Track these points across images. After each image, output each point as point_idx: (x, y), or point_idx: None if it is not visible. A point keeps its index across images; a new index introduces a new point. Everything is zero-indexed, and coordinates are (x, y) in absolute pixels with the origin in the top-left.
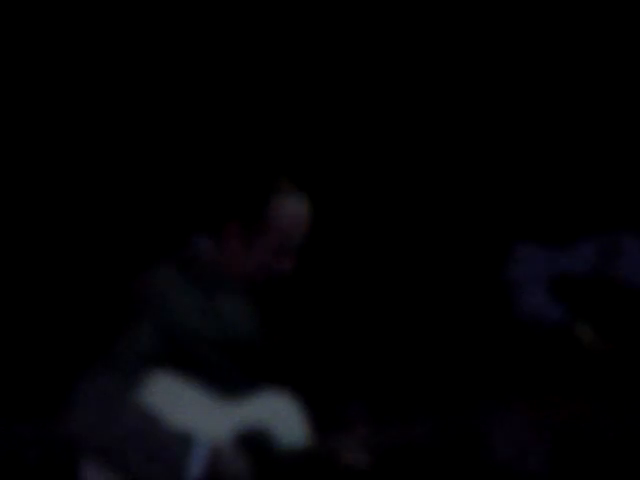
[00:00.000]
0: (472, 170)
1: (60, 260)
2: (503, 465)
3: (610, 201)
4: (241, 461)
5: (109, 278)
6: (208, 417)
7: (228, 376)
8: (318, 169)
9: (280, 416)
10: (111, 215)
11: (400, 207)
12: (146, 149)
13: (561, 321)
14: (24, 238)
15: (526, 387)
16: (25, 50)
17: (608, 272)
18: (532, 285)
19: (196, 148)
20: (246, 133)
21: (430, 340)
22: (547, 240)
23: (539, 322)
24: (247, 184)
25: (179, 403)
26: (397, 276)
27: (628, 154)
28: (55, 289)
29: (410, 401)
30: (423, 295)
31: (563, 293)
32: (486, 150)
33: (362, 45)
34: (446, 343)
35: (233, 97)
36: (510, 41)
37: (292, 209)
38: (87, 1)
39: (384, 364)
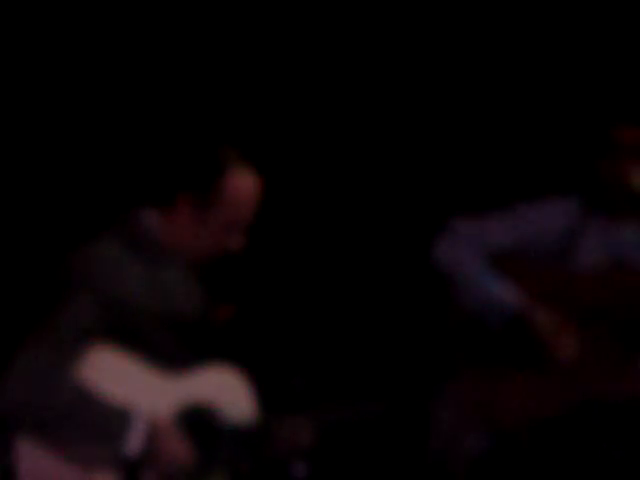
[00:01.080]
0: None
1: None
2: (443, 447)
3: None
4: (182, 436)
5: (50, 251)
6: (149, 392)
7: (171, 351)
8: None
9: (225, 391)
10: (52, 186)
11: (335, 183)
12: (91, 118)
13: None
14: None
15: (469, 369)
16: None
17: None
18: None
19: (145, 118)
20: (196, 104)
21: (374, 320)
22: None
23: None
24: (200, 155)
25: (119, 378)
26: (339, 251)
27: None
28: None
29: (354, 381)
30: (366, 273)
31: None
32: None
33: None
34: (389, 324)
35: (184, 68)
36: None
37: (246, 181)
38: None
39: (329, 342)
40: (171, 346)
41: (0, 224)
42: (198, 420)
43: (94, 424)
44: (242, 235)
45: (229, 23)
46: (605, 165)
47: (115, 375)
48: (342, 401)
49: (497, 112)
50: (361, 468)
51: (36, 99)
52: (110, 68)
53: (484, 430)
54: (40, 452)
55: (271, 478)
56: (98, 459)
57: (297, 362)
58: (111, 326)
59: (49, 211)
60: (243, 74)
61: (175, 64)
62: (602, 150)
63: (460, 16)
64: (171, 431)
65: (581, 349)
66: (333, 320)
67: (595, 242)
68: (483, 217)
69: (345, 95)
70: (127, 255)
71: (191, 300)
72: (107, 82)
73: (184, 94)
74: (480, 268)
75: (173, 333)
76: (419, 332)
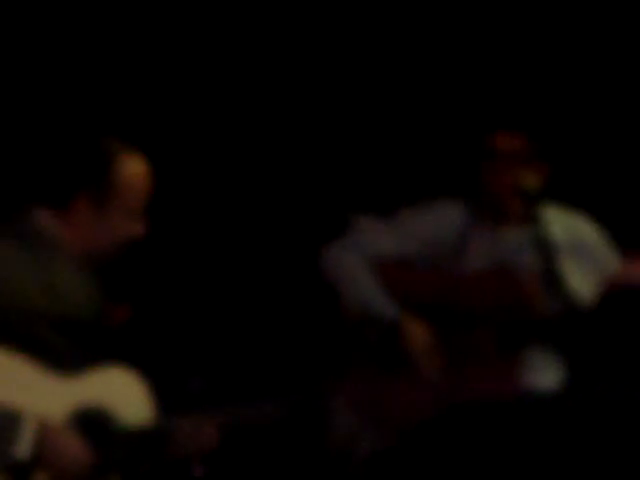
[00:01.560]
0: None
1: None
2: (340, 446)
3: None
4: (77, 439)
5: None
6: (40, 395)
7: (66, 353)
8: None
9: (121, 393)
10: None
11: (227, 183)
12: None
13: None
14: None
15: (363, 369)
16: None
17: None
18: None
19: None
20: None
21: (272, 320)
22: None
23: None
24: (83, 151)
25: (7, 380)
26: (235, 251)
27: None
28: None
29: (254, 381)
30: (263, 274)
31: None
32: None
33: None
34: (286, 323)
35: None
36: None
37: (136, 166)
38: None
39: (228, 342)
40: (65, 348)
41: None
42: (93, 422)
43: None
44: (141, 221)
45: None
46: (486, 171)
47: (3, 378)
48: (242, 402)
49: (384, 118)
50: (262, 468)
51: None
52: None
53: (380, 429)
54: None
55: (171, 479)
56: None
57: (196, 363)
58: (3, 328)
59: None
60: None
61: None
62: (482, 156)
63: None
64: (64, 434)
65: (463, 352)
66: (232, 321)
67: (481, 246)
68: (372, 223)
69: (239, 95)
70: (19, 255)
71: (87, 301)
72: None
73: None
74: (363, 276)
75: (67, 335)
76: (316, 332)
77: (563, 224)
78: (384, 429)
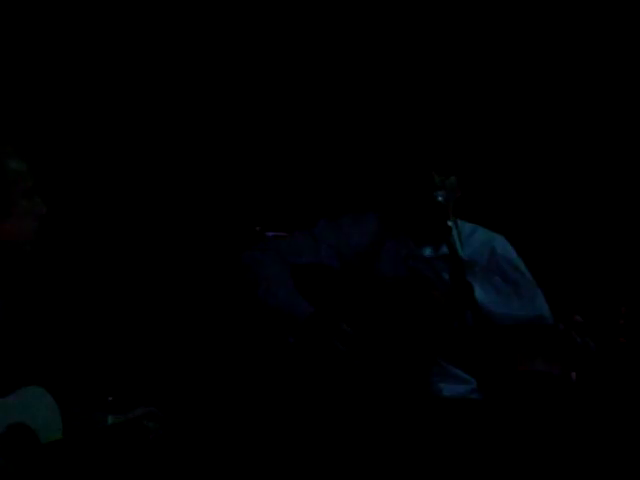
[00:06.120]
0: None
1: None
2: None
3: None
4: None
5: None
6: None
7: None
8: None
9: (35, 410)
10: None
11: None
12: None
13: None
14: None
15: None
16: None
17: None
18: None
19: None
20: None
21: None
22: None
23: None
24: None
25: None
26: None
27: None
28: None
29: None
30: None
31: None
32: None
33: None
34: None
35: None
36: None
37: (12, 154)
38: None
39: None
40: None
41: None
42: (9, 442)
43: None
44: (39, 200)
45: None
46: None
47: None
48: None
49: (301, 129)
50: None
51: None
52: None
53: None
54: None
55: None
56: None
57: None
58: None
59: None
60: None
61: None
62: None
63: None
64: None
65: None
66: (150, 318)
67: (394, 255)
68: (292, 230)
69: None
70: None
71: None
72: None
73: None
74: (281, 278)
75: None
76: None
77: (477, 240)
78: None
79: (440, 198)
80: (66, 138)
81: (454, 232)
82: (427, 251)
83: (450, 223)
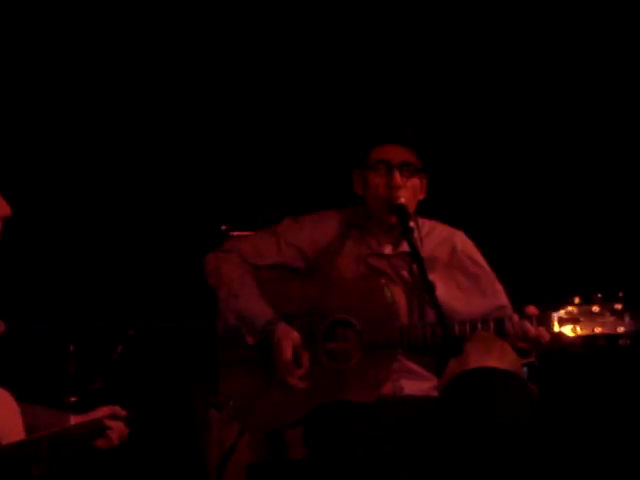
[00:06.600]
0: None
1: None
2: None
3: None
4: None
5: None
6: None
7: None
8: None
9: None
10: None
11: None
12: None
13: None
14: None
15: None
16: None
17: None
18: None
19: None
20: None
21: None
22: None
23: None
24: None
25: None
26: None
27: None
28: None
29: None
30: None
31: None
32: None
33: None
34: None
35: None
36: None
37: None
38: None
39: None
40: None
41: None
42: None
43: None
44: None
45: None
46: (363, 182)
47: None
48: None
49: (263, 127)
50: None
51: None
52: None
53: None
54: None
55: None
56: None
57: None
58: None
59: None
60: None
61: None
62: (362, 167)
63: None
64: None
65: (333, 355)
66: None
67: (354, 254)
68: (253, 232)
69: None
70: None
71: None
72: None
73: None
74: (242, 281)
75: None
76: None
77: (437, 236)
78: (251, 429)
79: (402, 200)
80: (29, 141)
81: (417, 230)
82: (387, 249)
83: (413, 220)
